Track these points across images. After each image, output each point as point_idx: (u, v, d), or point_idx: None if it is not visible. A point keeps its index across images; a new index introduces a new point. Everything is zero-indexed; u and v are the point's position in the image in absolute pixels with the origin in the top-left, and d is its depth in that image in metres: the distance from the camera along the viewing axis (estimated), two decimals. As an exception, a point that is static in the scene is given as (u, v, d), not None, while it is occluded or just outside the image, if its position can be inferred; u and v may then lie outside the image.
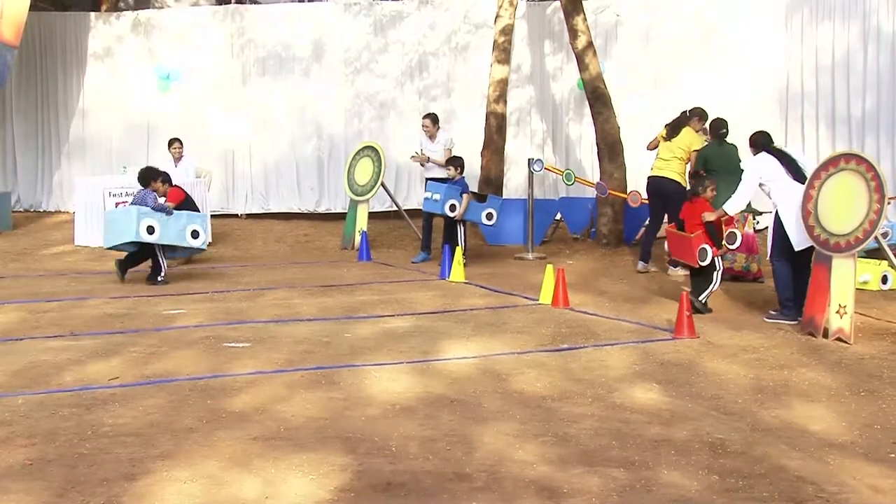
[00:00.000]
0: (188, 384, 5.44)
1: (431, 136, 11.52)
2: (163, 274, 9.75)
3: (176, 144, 13.13)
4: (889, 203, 6.96)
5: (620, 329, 7.16)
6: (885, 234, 8.50)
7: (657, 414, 4.88)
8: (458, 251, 9.99)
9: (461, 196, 10.62)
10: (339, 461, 4.12)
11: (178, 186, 11.53)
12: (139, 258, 9.94)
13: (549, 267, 8.59)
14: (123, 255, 10.00)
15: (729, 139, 10.06)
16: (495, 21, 13.81)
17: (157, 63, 15.70)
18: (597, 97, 12.08)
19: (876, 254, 8.72)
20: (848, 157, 6.96)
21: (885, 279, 9.13)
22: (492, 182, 13.60)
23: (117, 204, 12.52)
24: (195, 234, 9.89)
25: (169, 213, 9.76)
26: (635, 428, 4.62)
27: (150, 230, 9.52)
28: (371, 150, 12.91)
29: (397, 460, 4.15)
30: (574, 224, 12.94)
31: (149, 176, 10.18)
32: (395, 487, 3.83)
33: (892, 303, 8.22)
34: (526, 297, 8.60)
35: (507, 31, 13.70)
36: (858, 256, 7.20)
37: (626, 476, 3.95)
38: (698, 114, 10.37)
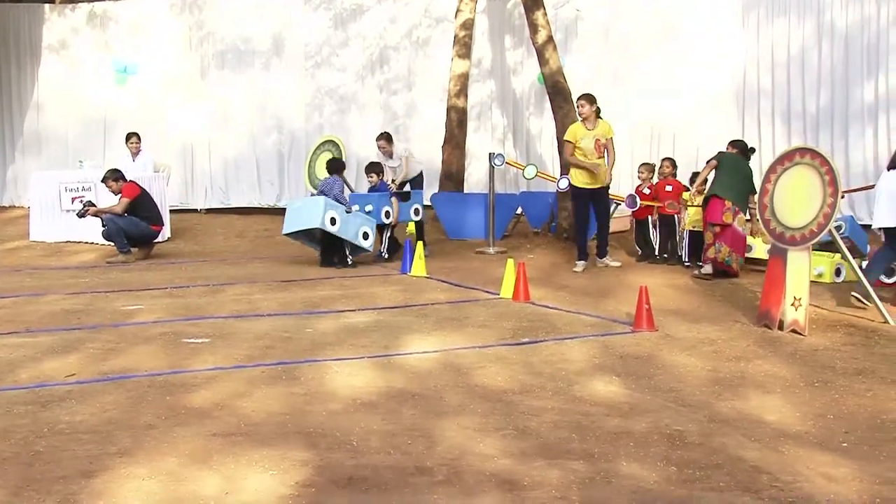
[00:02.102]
0: (147, 380, 5.38)
1: (389, 154, 11.61)
2: (350, 260, 10.48)
3: (133, 139, 13.00)
4: (842, 197, 7.08)
5: (580, 322, 7.21)
6: (838, 228, 8.68)
7: (616, 406, 4.92)
8: (420, 246, 9.99)
9: (391, 201, 10.90)
10: (300, 456, 4.11)
11: (133, 181, 11.45)
12: (329, 248, 10.52)
13: (510, 261, 8.62)
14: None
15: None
16: (456, 15, 13.83)
17: (114, 56, 15.52)
18: (557, 91, 12.13)
19: (830, 247, 8.88)
20: (803, 151, 7.07)
21: (838, 272, 9.28)
22: (453, 177, 13.62)
23: (73, 199, 12.39)
24: (365, 236, 10.50)
25: (348, 210, 10.37)
26: (595, 420, 4.66)
27: (333, 221, 10.12)
28: (332, 145, 12.88)
29: (358, 455, 4.15)
30: (535, 218, 12.99)
31: (334, 168, 11.00)
32: (356, 482, 3.83)
33: (845, 295, 8.36)
34: (487, 292, 8.63)
35: (468, 26, 13.72)
36: (813, 249, 7.33)
37: (586, 468, 3.98)
38: None
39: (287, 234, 10.79)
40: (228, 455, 4.11)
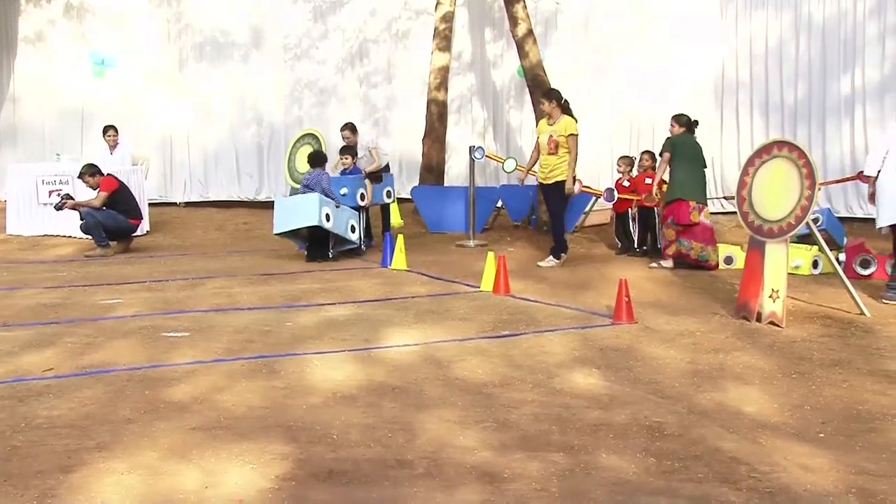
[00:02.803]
0: (126, 374, 5.36)
1: (354, 145, 11.54)
2: (332, 254, 10.44)
3: (111, 132, 12.91)
4: (819, 189, 7.13)
5: (560, 315, 7.23)
6: (816, 220, 8.75)
7: (596, 399, 4.94)
8: (401, 239, 9.98)
9: (365, 183, 10.91)
10: (281, 450, 4.10)
11: (110, 175, 11.38)
12: (316, 242, 10.43)
13: (491, 254, 8.63)
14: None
15: (666, 128, 10.18)
16: (436, 8, 13.80)
17: (91, 48, 15.39)
18: (537, 85, 12.14)
19: (807, 239, 8.95)
20: (780, 144, 7.11)
21: (815, 264, 9.35)
22: (433, 169, 13.62)
23: (51, 192, 12.29)
24: (353, 229, 10.53)
25: (338, 205, 10.33)
26: (575, 413, 4.68)
27: (328, 217, 10.08)
28: (312, 138, 12.83)
29: (339, 448, 4.15)
30: (515, 211, 13.02)
31: (317, 161, 10.78)
32: (336, 475, 3.83)
33: (822, 287, 8.43)
34: (467, 285, 8.64)
35: (448, 19, 13.71)
36: (791, 242, 7.38)
37: (566, 460, 4.00)
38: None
39: (279, 234, 10.64)
40: (208, 449, 4.10)
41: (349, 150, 11.17)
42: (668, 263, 9.56)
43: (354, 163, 11.09)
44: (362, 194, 10.89)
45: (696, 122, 9.98)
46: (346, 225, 10.45)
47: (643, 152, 11.12)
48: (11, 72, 15.78)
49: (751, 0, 13.49)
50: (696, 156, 9.76)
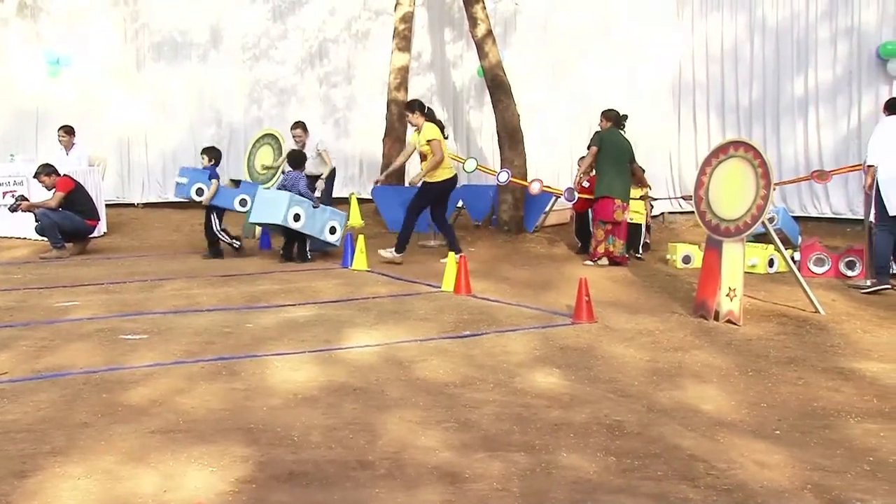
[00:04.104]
0: (82, 378, 5.29)
1: (304, 145, 11.50)
2: (309, 251, 10.48)
3: (66, 132, 12.72)
4: (775, 189, 7.24)
5: (521, 315, 7.26)
6: (771, 219, 8.88)
7: (557, 398, 4.97)
8: (361, 240, 9.94)
9: (209, 181, 10.74)
10: (241, 452, 4.08)
11: (67, 175, 11.24)
12: (292, 241, 10.46)
13: (451, 254, 8.65)
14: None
15: (624, 128, 10.31)
16: (395, 8, 13.80)
17: (46, 47, 15.17)
18: (497, 85, 12.18)
19: (763, 238, 9.08)
20: (737, 144, 7.21)
21: (771, 262, 9.49)
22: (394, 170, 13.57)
23: (4, 194, 12.11)
24: (332, 230, 10.42)
25: (316, 205, 10.27)
26: (536, 412, 4.71)
27: (297, 218, 10.04)
28: (271, 138, 12.76)
29: (300, 450, 4.13)
30: (476, 211, 13.03)
31: (296, 161, 10.72)
32: (297, 477, 3.82)
33: (778, 285, 8.55)
34: (429, 285, 8.64)
35: (408, 19, 13.70)
36: (747, 241, 7.48)
37: (527, 460, 4.02)
38: None
39: (251, 224, 10.75)
40: (167, 452, 4.06)
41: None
42: (604, 261, 9.85)
43: (214, 164, 10.94)
44: (199, 189, 10.68)
45: (626, 117, 10.28)
46: (324, 226, 10.39)
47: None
48: (-36, 71, 15.53)
49: (707, 2, 13.64)
50: (621, 152, 10.04)
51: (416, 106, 10.31)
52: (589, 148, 10.15)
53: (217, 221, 10.82)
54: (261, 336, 6.43)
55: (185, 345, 6.15)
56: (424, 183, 10.18)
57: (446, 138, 10.47)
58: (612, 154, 9.94)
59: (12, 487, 3.66)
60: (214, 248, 10.82)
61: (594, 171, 10.18)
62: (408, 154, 10.86)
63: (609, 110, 10.30)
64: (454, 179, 10.41)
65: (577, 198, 10.57)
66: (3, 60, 15.40)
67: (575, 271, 9.25)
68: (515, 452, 4.12)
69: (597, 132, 10.20)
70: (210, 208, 10.75)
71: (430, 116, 10.28)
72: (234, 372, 5.45)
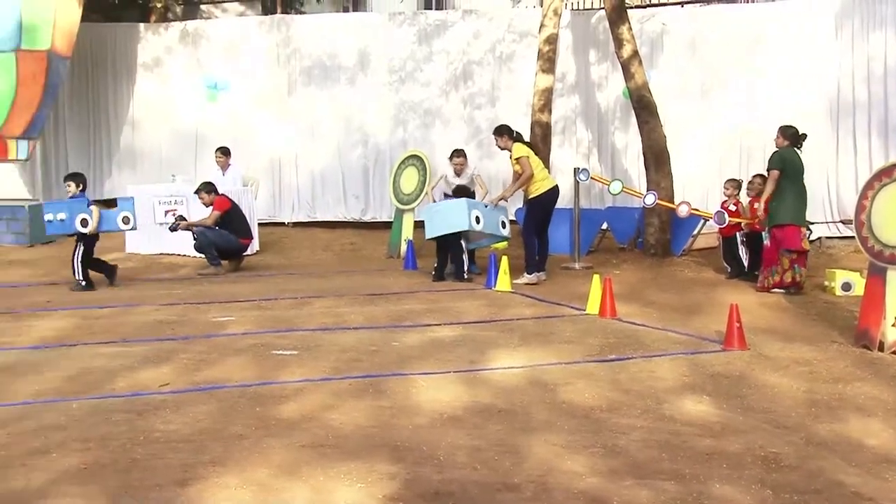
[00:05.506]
0: (237, 391, 5.48)
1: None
2: (466, 272, 10.48)
3: (223, 153, 13.29)
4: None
5: (669, 340, 7.08)
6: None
7: (708, 426, 4.81)
8: (505, 260, 9.95)
9: (89, 209, 10.08)
10: (388, 470, 4.12)
11: (223, 195, 11.71)
12: (445, 261, 10.64)
13: (596, 276, 8.53)
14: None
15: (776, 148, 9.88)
16: (540, 30, 13.78)
17: (205, 73, 15.91)
18: (643, 106, 12.00)
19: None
20: (903, 166, 6.84)
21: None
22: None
23: (167, 212, 12.70)
24: (503, 224, 10.74)
25: (486, 204, 10.69)
26: (685, 440, 4.57)
27: (478, 220, 10.32)
28: (416, 160, 12.97)
29: (445, 469, 4.14)
30: (621, 233, 12.86)
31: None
32: (442, 497, 3.82)
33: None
34: (573, 307, 8.55)
35: (552, 41, 13.67)
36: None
37: (677, 489, 3.90)
38: None
39: (431, 238, 10.87)
40: (317, 467, 4.15)
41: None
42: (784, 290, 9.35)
43: (81, 190, 10.30)
44: (83, 220, 10.01)
45: (804, 136, 9.66)
46: (497, 221, 10.66)
47: (754, 175, 10.81)
48: (131, 97, 16.41)
49: (867, 20, 13.06)
50: (799, 173, 9.47)
51: (504, 130, 10.57)
52: (769, 171, 9.47)
53: (81, 252, 10.07)
54: (406, 355, 6.51)
55: (333, 362, 6.28)
56: (529, 200, 10.43)
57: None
58: (792, 176, 9.35)
59: (175, 495, 3.82)
60: (88, 280, 10.12)
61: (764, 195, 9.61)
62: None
63: (788, 127, 9.66)
64: (555, 190, 10.45)
65: (727, 222, 10.24)
66: (167, 86, 16.23)
67: (725, 296, 8.96)
68: (665, 481, 4.00)
69: (776, 152, 9.50)
70: (82, 237, 10.08)
71: (518, 139, 10.51)
72: (381, 390, 5.52)
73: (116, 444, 4.46)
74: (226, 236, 11.45)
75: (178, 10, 19.55)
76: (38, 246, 13.15)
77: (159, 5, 17.74)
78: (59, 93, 14.83)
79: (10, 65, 13.47)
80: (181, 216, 11.87)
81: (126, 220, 10.49)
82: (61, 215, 9.99)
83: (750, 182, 10.74)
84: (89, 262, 10.16)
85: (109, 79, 16.45)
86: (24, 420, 4.89)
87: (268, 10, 19.35)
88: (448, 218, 10.46)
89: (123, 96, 16.46)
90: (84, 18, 14.57)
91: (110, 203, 10.93)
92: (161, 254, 12.89)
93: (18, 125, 13.89)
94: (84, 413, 5.01)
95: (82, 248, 10.07)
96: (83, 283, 10.00)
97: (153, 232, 13.01)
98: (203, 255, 11.53)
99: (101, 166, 16.51)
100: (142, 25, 16.67)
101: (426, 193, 12.52)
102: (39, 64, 13.73)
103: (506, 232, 10.81)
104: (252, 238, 12.35)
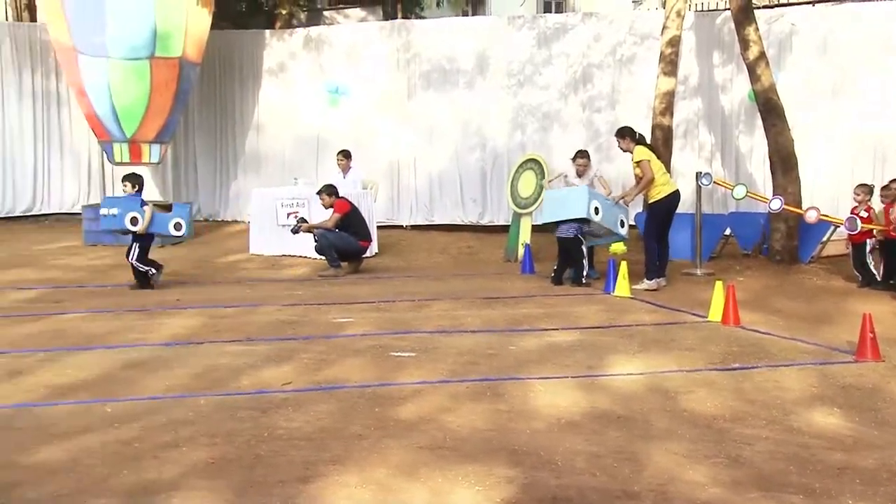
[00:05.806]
0: (357, 391, 5.56)
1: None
2: (585, 277, 10.43)
3: (344, 157, 13.53)
4: None
5: (796, 349, 6.84)
6: None
7: (839, 440, 4.63)
8: (624, 265, 9.81)
9: (142, 209, 10.08)
10: (506, 473, 4.11)
11: (343, 198, 11.91)
12: (565, 265, 10.64)
13: (719, 283, 8.31)
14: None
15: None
16: (662, 32, 13.54)
17: (327, 78, 16.25)
18: (769, 109, 11.63)
19: None
20: None
21: None
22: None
23: (289, 214, 13.00)
24: (622, 223, 10.74)
25: (608, 197, 10.66)
26: (815, 453, 4.40)
27: (597, 211, 10.33)
28: (534, 163, 12.90)
29: (563, 475, 4.11)
30: (745, 239, 12.50)
31: None
32: (560, 502, 3.79)
33: None
34: (694, 314, 8.35)
35: (675, 43, 13.41)
36: None
37: (807, 504, 3.76)
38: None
39: (545, 223, 10.93)
40: (435, 469, 4.17)
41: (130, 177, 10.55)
42: None
43: (138, 191, 10.25)
44: (133, 218, 10.01)
45: None
46: (616, 219, 10.55)
47: (891, 181, 10.33)
48: (256, 102, 16.91)
49: None
50: None
51: (627, 132, 10.48)
52: None
53: (137, 251, 10.11)
54: (524, 359, 6.48)
55: (450, 364, 6.31)
56: (650, 204, 10.35)
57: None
58: None
59: (297, 491, 3.90)
60: (141, 279, 10.20)
61: None
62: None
63: None
64: (677, 195, 10.26)
65: (859, 228, 9.84)
66: (291, 91, 16.65)
67: (856, 306, 8.60)
68: (793, 494, 3.86)
69: None
70: (137, 237, 10.12)
71: (640, 141, 10.42)
72: (498, 393, 5.52)
73: (241, 440, 4.59)
74: (346, 238, 11.64)
75: (303, 16, 20.04)
76: (165, 247, 13.63)
77: (284, 12, 18.20)
78: (189, 98, 15.41)
79: (144, 72, 14.04)
80: (303, 218, 12.12)
81: (178, 227, 10.51)
82: (113, 210, 10.12)
83: (885, 187, 10.27)
84: (146, 259, 10.29)
85: (236, 84, 16.99)
86: (155, 414, 5.08)
87: (388, 15, 19.65)
88: (567, 204, 10.41)
89: (249, 101, 16.97)
90: (213, 26, 15.11)
91: (167, 207, 11.16)
92: (283, 255, 13.20)
93: (151, 130, 14.49)
94: (211, 409, 5.17)
95: (138, 248, 10.20)
96: (151, 272, 10.16)
97: (275, 233, 13.34)
98: (324, 257, 11.75)
99: (227, 170, 17.08)
100: (267, 32, 17.17)
101: (544, 189, 12.43)
102: (172, 71, 14.27)
103: (624, 231, 10.65)
104: (371, 240, 12.51)
